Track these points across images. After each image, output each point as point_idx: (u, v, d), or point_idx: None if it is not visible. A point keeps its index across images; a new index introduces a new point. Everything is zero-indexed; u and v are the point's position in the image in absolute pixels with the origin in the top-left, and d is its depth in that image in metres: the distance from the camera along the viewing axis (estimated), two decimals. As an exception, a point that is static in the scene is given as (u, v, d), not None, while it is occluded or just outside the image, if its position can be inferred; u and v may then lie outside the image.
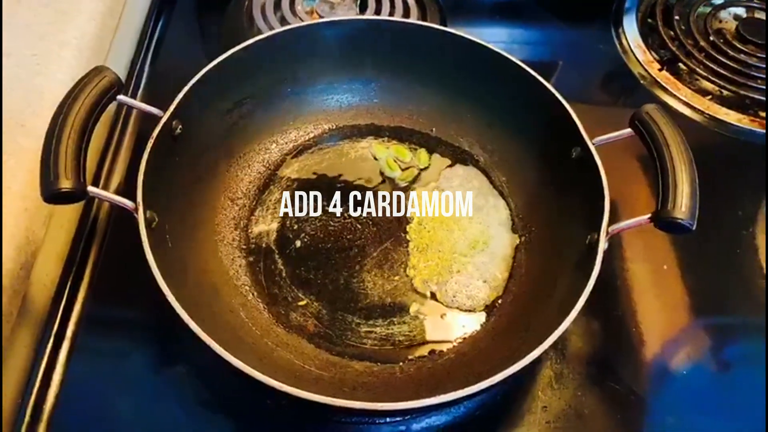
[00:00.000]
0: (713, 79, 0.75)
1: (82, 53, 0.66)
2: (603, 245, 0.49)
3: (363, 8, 0.78)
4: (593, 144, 0.55)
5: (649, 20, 0.82)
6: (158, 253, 0.47)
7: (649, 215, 0.48)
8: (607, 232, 0.50)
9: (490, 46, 0.62)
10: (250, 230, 0.60)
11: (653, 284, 0.61)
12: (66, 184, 0.44)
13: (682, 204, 0.46)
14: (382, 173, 0.65)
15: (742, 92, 0.74)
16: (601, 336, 0.57)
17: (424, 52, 0.65)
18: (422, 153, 0.66)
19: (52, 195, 0.44)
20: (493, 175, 0.65)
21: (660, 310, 0.59)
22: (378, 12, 0.77)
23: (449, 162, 0.66)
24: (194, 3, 0.81)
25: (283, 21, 0.76)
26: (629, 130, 0.54)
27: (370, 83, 0.68)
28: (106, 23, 0.71)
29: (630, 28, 0.81)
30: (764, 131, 0.72)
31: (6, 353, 0.52)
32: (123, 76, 0.71)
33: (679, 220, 0.46)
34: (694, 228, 0.47)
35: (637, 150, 0.54)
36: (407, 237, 0.61)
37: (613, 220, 0.51)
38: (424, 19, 0.77)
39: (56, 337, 0.54)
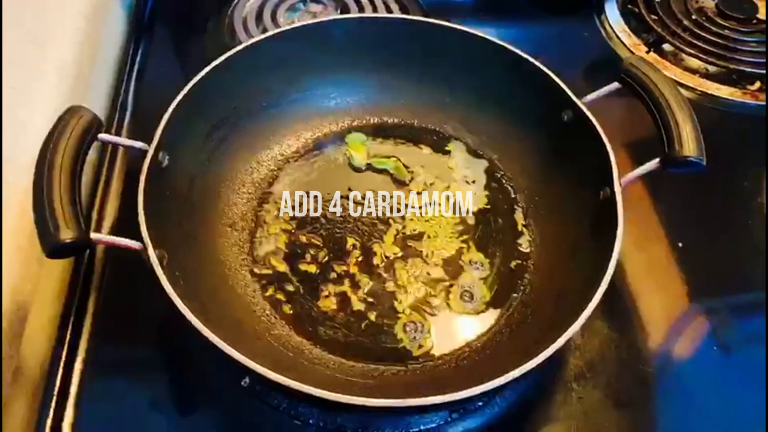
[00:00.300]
0: (700, 55, 0.77)
1: (63, 82, 0.64)
2: (620, 197, 0.49)
3: (345, 14, 0.77)
4: (582, 103, 0.55)
5: (629, 6, 0.84)
6: (176, 291, 0.44)
7: (658, 159, 0.49)
8: (620, 183, 0.50)
9: (455, 26, 0.62)
10: (255, 253, 0.57)
11: (670, 263, 0.60)
12: (68, 234, 0.40)
13: (689, 142, 0.47)
14: (374, 171, 0.64)
15: (731, 66, 0.76)
16: (626, 320, 0.56)
17: (392, 45, 0.64)
18: (409, 146, 0.66)
19: (54, 248, 0.40)
20: (485, 155, 0.65)
21: (681, 288, 0.59)
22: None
23: (435, 150, 0.66)
24: (172, 27, 0.79)
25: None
26: (616, 84, 0.54)
27: (344, 85, 0.66)
28: (85, 52, 0.69)
29: (612, 14, 0.83)
30: (756, 102, 0.73)
31: (7, 401, 0.50)
32: (107, 105, 0.71)
33: (690, 158, 0.47)
34: (704, 163, 0.48)
35: (616, 113, 0.55)
36: (411, 231, 0.60)
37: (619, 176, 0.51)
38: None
39: (62, 380, 0.51)
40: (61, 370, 0.51)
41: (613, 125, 0.67)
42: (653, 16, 0.82)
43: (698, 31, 0.79)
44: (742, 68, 0.76)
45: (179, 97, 0.53)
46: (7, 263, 0.53)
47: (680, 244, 0.62)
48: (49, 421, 0.49)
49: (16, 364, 0.52)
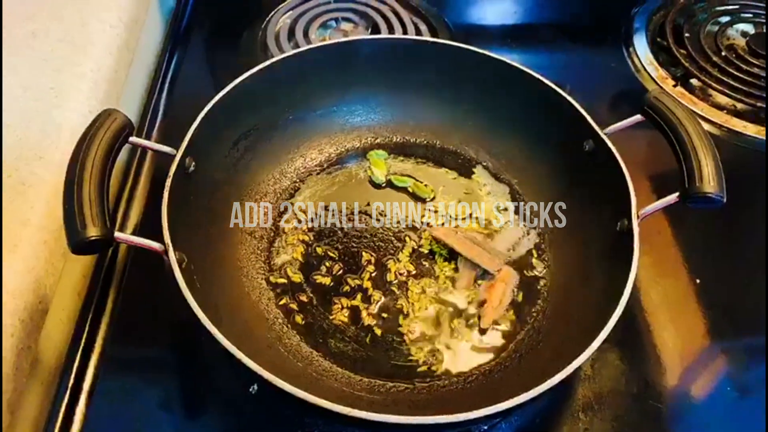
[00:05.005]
0: (728, 92, 0.76)
1: (98, 86, 0.66)
2: (637, 228, 0.49)
3: (375, 34, 0.79)
4: (605, 134, 0.56)
5: (659, 39, 0.84)
6: (193, 294, 0.45)
7: (677, 194, 0.49)
8: (638, 216, 0.50)
9: (481, 51, 0.63)
10: (272, 262, 0.58)
11: (688, 299, 0.60)
12: (93, 232, 0.41)
13: (710, 178, 0.47)
14: (394, 188, 0.65)
15: (759, 105, 0.75)
16: (638, 353, 0.56)
17: (420, 66, 0.65)
18: (430, 166, 0.67)
19: (79, 244, 0.41)
20: (504, 179, 0.65)
21: (698, 325, 0.58)
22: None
23: (456, 172, 0.66)
24: (208, 36, 0.82)
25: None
26: (639, 116, 0.55)
27: (370, 102, 0.67)
28: (122, 57, 0.72)
29: (641, 47, 0.83)
30: None
31: (25, 390, 0.51)
32: (139, 110, 0.74)
33: (710, 194, 0.47)
34: (724, 200, 0.48)
35: (637, 145, 0.55)
36: (430, 249, 0.60)
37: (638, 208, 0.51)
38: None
39: (77, 373, 0.52)
40: (76, 365, 0.53)
41: (638, 156, 0.67)
42: (682, 51, 0.82)
43: (727, 68, 0.79)
44: (768, 107, 0.75)
45: (208, 106, 0.54)
46: (33, 257, 0.54)
47: (698, 281, 0.61)
48: (61, 414, 0.50)
49: (35, 356, 0.53)
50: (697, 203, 0.48)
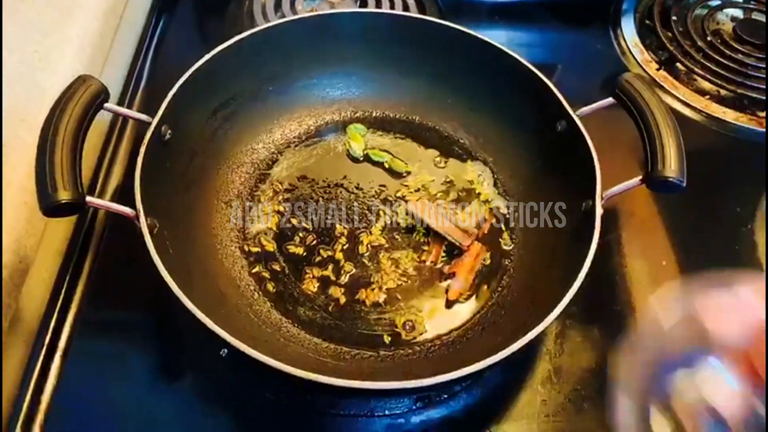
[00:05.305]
0: (711, 78, 0.76)
1: (84, 50, 0.67)
2: (599, 210, 0.51)
3: (363, 7, 0.79)
4: (577, 115, 0.56)
5: (647, 22, 0.84)
6: (163, 259, 0.46)
7: (640, 177, 0.50)
8: (602, 197, 0.51)
9: (462, 28, 0.63)
10: (247, 231, 0.60)
11: (652, 280, 0.61)
12: (64, 195, 0.43)
13: (672, 163, 0.48)
14: (371, 162, 0.66)
15: (739, 91, 0.75)
16: (600, 331, 0.58)
17: (401, 41, 0.65)
18: (407, 141, 0.67)
19: (50, 207, 0.43)
20: (480, 157, 0.66)
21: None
22: (378, 11, 0.77)
23: (434, 149, 0.67)
24: (195, 6, 0.82)
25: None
26: (611, 99, 0.55)
27: (351, 76, 0.68)
28: (108, 22, 0.72)
29: (628, 29, 0.83)
30: (762, 129, 0.73)
31: (4, 346, 0.52)
32: (123, 76, 0.74)
33: (671, 179, 0.48)
34: (684, 185, 0.49)
35: (614, 128, 0.56)
36: (400, 224, 0.62)
37: (604, 189, 0.52)
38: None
39: (53, 332, 0.54)
40: (52, 325, 0.54)
41: (613, 139, 0.68)
42: (668, 34, 0.82)
43: (712, 54, 0.79)
44: (753, 94, 0.75)
45: (185, 76, 0.55)
46: (14, 217, 0.55)
47: (664, 263, 0.63)
48: (36, 371, 0.52)
49: (14, 314, 0.55)
50: (658, 187, 0.49)
